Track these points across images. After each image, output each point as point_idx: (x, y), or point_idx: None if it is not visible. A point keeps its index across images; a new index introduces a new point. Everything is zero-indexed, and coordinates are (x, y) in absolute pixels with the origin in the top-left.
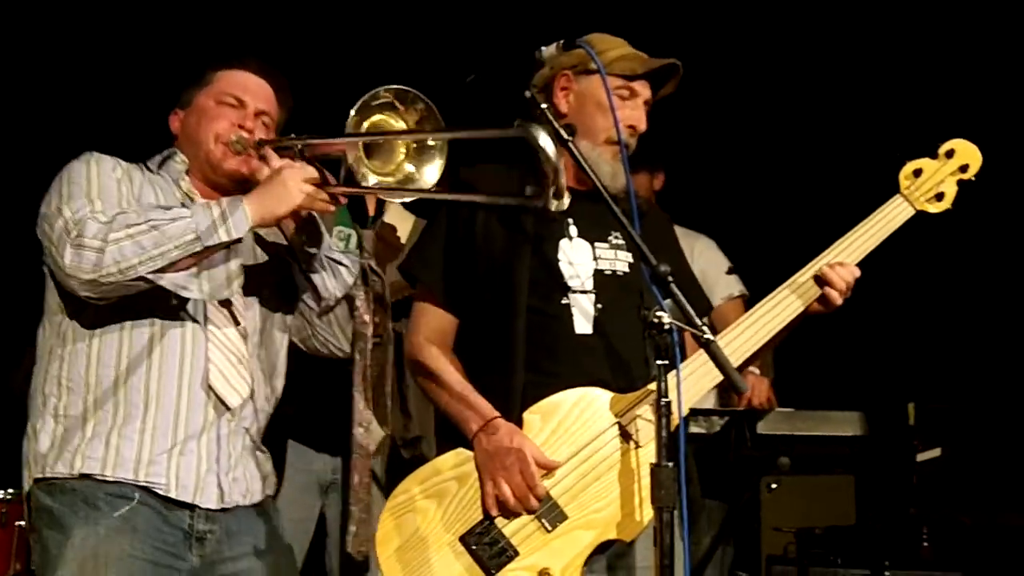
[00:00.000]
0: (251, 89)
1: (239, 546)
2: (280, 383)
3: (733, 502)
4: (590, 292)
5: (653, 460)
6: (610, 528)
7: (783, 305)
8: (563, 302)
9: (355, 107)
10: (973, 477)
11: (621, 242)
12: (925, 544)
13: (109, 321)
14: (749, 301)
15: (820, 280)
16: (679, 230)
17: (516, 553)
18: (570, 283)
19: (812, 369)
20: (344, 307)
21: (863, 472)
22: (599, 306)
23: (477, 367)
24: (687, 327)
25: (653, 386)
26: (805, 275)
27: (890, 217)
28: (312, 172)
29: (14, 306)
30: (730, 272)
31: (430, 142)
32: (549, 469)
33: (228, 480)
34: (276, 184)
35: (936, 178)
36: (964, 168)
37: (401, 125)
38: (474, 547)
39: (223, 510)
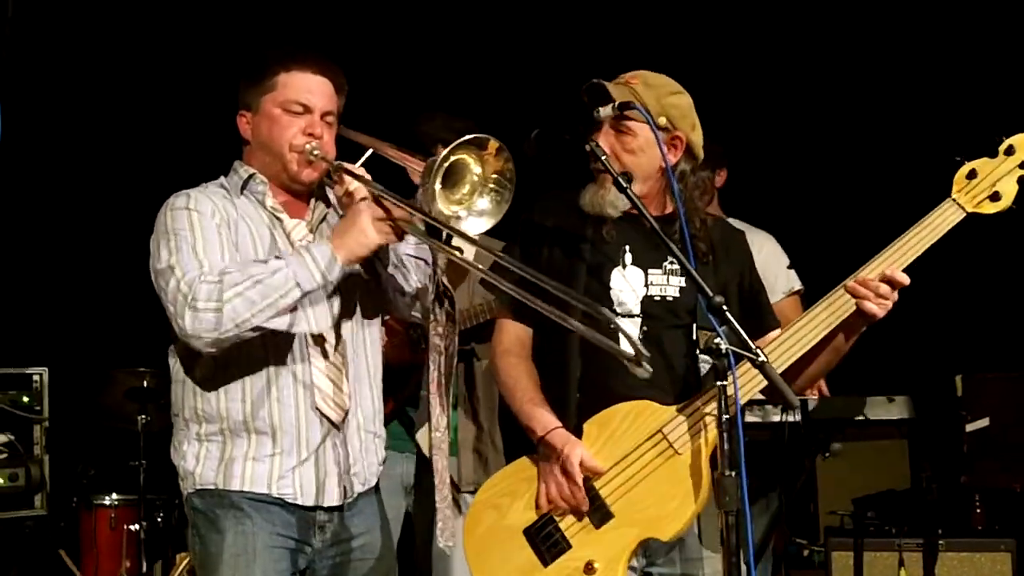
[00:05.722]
0: (315, 91)
1: (353, 528)
2: (380, 376)
3: (787, 485)
4: (636, 316)
5: (691, 465)
6: (651, 527)
7: (817, 320)
8: (611, 326)
9: (453, 144)
10: (1022, 445)
11: (675, 267)
12: (977, 511)
13: (230, 360)
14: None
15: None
16: (740, 225)
17: (569, 546)
18: (617, 308)
19: (860, 349)
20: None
21: (915, 440)
22: (644, 328)
23: (544, 378)
24: (743, 352)
25: (700, 399)
26: (839, 289)
27: (939, 222)
28: (379, 211)
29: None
30: (789, 268)
31: (496, 180)
32: (596, 473)
33: (349, 477)
34: (355, 228)
35: (993, 177)
36: None
37: (478, 170)
38: (534, 540)
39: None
